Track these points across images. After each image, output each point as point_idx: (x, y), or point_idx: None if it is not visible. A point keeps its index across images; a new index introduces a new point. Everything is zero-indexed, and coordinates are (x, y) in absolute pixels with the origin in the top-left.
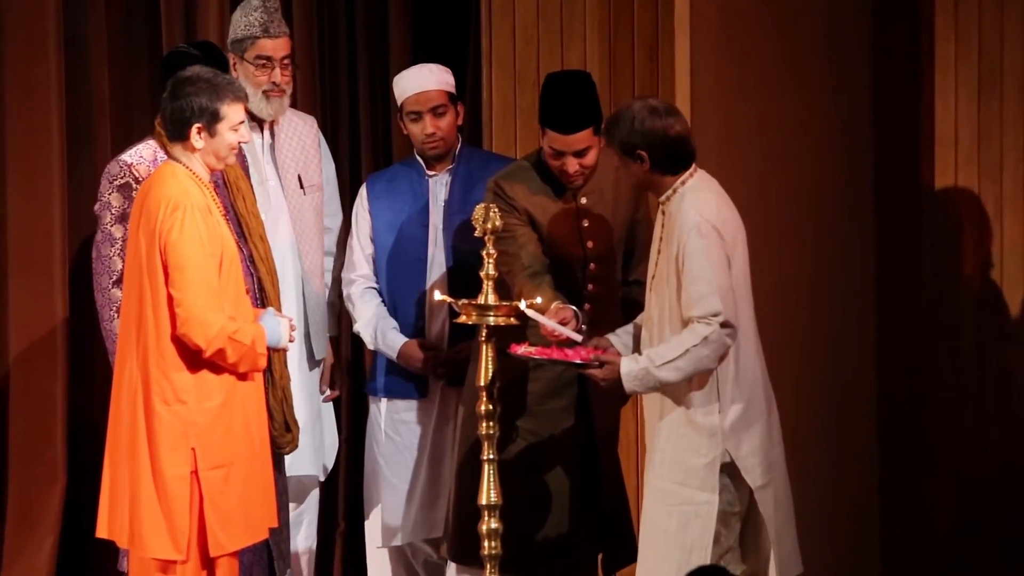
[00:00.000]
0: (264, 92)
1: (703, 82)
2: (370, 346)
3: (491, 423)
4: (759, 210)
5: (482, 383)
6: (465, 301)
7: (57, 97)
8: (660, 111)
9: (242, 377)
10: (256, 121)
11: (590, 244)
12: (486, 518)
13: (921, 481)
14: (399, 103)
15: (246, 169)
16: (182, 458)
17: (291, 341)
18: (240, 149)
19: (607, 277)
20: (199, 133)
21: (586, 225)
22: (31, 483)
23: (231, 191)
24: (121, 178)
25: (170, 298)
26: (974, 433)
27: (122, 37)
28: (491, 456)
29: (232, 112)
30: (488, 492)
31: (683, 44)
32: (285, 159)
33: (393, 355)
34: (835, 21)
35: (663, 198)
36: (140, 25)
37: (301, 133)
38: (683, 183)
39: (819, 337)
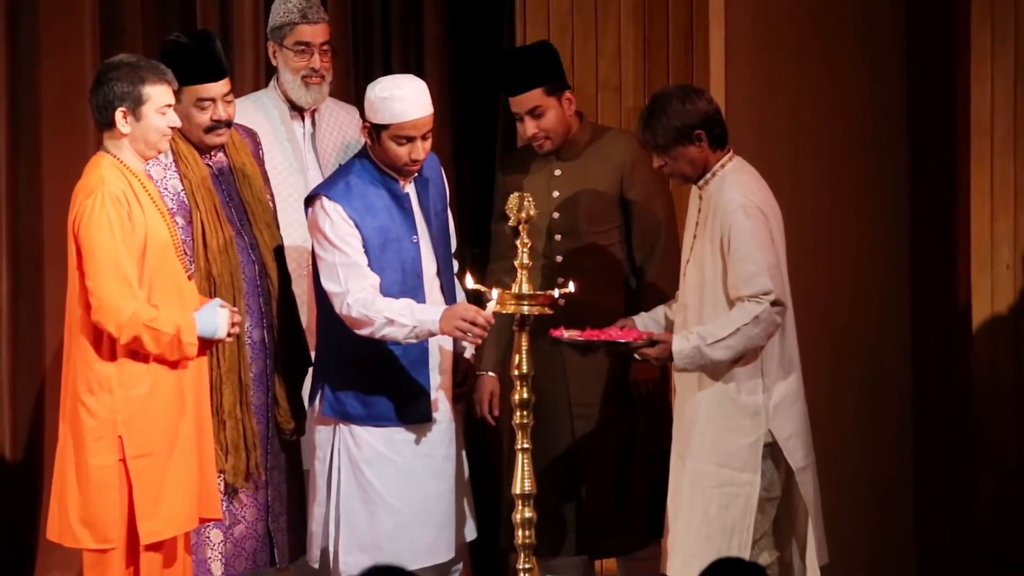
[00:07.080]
0: (303, 78)
1: (738, 71)
2: (404, 334)
3: (525, 412)
4: (793, 199)
5: (517, 372)
6: (501, 290)
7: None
8: (695, 91)
9: (173, 365)
10: (297, 110)
11: (556, 215)
12: (520, 507)
13: (957, 471)
14: (385, 122)
15: (257, 153)
16: (108, 447)
17: (231, 334)
18: (253, 133)
19: (576, 252)
20: (124, 118)
21: (555, 195)
22: None
23: (236, 177)
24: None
25: (85, 287)
26: (1010, 423)
27: (157, 28)
28: (525, 445)
29: (156, 94)
30: (522, 481)
31: (718, 33)
32: (326, 148)
33: (435, 325)
34: (869, 8)
35: (702, 181)
36: (175, 16)
37: (343, 123)
38: (722, 166)
39: (854, 326)
